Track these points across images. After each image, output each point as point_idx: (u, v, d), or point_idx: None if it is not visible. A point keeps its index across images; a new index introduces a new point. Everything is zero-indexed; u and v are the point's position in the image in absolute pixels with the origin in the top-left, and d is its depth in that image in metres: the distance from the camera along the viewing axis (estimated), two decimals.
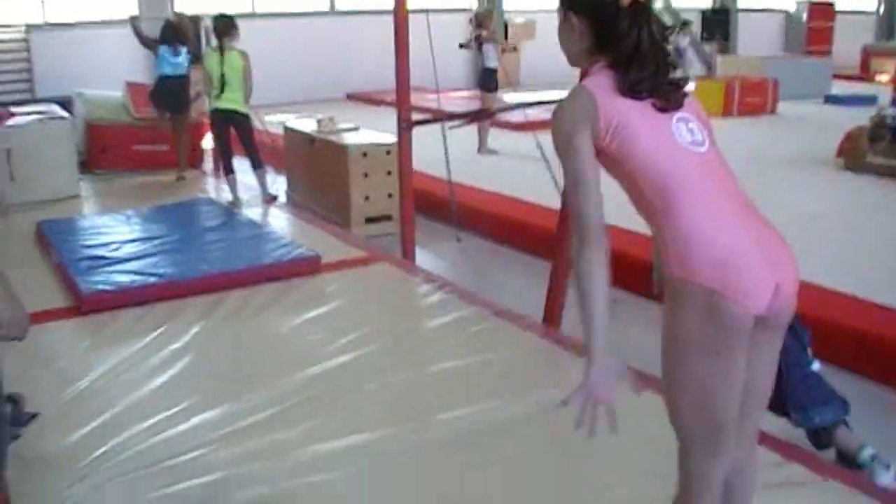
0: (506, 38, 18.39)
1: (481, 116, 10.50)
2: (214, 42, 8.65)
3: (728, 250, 2.16)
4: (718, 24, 23.52)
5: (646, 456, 3.39)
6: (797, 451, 3.60)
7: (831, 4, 25.61)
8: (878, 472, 3.58)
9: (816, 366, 3.81)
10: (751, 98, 16.00)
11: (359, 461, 3.60)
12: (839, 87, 18.63)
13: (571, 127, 2.23)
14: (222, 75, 8.30)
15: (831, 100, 17.32)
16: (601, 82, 2.26)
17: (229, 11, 9.40)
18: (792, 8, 26.15)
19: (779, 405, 3.49)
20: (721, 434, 2.30)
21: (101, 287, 5.60)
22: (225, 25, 8.44)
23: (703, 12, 24.98)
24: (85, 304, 5.45)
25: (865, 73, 22.73)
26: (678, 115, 2.30)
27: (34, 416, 3.96)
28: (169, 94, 9.95)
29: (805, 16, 25.15)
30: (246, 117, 8.58)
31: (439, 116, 7.86)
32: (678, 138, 2.26)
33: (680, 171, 2.24)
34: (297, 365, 4.57)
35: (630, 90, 2.24)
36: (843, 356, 4.68)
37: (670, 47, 2.34)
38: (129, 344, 4.91)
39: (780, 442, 3.62)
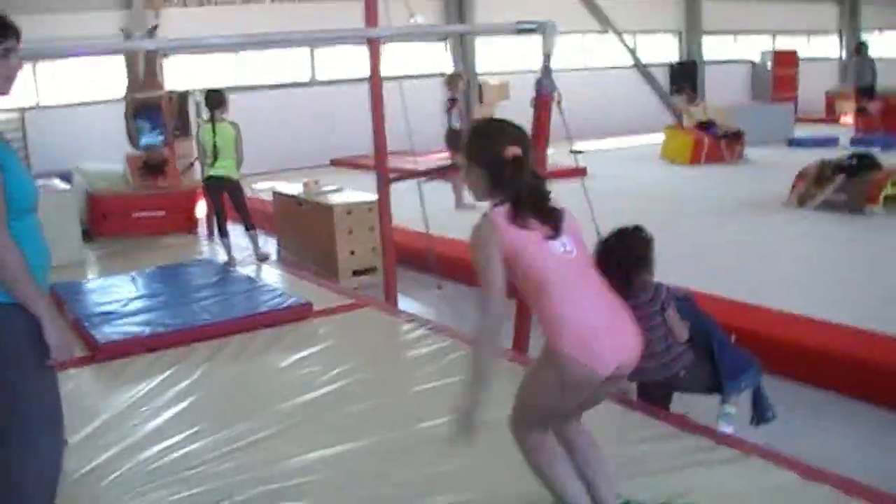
0: (480, 99, 19.12)
1: (448, 171, 11.17)
2: (206, 114, 9.36)
3: (586, 332, 2.99)
4: (686, 76, 24.42)
5: None
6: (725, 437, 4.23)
7: (794, 52, 26.59)
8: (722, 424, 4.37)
9: (731, 338, 4.52)
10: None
11: (347, 463, 4.21)
12: (804, 130, 19.56)
13: (485, 248, 3.07)
14: (215, 145, 8.99)
15: (794, 143, 18.22)
16: (502, 212, 3.08)
17: (215, 85, 10.12)
18: (757, 58, 27.10)
19: (714, 384, 4.29)
20: (546, 422, 3.30)
21: (114, 336, 6.22)
22: (216, 99, 9.16)
23: (672, 65, 25.89)
24: (100, 353, 6.06)
25: (830, 116, 23.66)
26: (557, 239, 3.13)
27: (65, 442, 4.55)
28: (153, 161, 10.73)
29: (770, 64, 26.09)
30: (238, 183, 9.26)
31: (412, 173, 8.51)
32: (553, 251, 3.08)
33: (553, 275, 3.05)
34: (291, 394, 5.16)
35: (518, 223, 3.06)
36: (792, 366, 5.44)
37: None
38: (143, 384, 5.50)
39: (709, 429, 4.26)
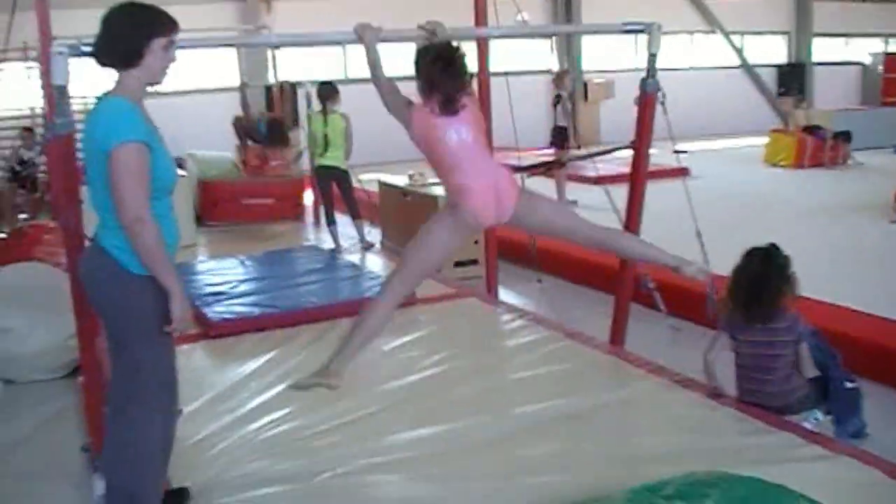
0: (585, 97, 19.16)
1: (551, 167, 11.28)
2: (317, 106, 9.65)
3: (470, 191, 3.95)
4: (794, 78, 24.00)
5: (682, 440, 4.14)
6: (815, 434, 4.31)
7: None
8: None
9: (850, 384, 4.53)
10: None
11: (447, 442, 4.40)
12: None
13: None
14: (325, 136, 9.28)
15: None
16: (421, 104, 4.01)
17: (326, 77, 10.42)
18: (867, 60, 26.55)
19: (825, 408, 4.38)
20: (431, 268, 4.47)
21: (225, 315, 6.53)
22: (328, 91, 9.46)
23: (779, 66, 25.51)
24: (213, 330, 6.36)
25: None
26: (455, 125, 3.97)
27: (179, 411, 4.83)
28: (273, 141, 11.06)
29: (881, 67, 25.42)
30: (346, 173, 9.54)
31: (515, 168, 8.66)
32: (449, 136, 3.96)
33: (448, 154, 3.98)
34: (394, 376, 5.38)
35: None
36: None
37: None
38: (252, 361, 5.77)
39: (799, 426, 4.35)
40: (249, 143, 12.46)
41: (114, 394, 3.55)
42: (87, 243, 3.80)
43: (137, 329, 3.41)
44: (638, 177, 5.48)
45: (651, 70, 5.20)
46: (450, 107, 3.94)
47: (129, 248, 3.29)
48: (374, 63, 4.16)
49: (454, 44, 4.12)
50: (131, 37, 3.37)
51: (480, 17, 6.80)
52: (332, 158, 9.42)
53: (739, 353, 4.55)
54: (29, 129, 12.99)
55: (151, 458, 3.53)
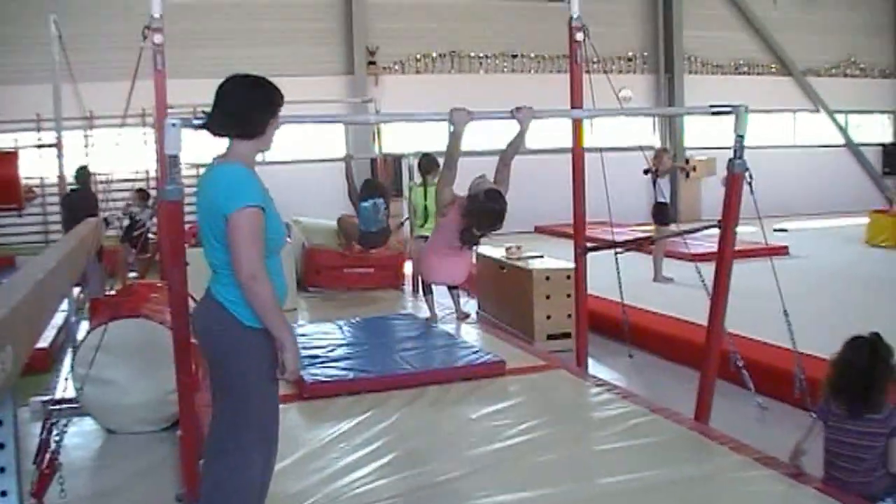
0: (687, 174, 19.16)
1: (643, 244, 11.34)
2: (418, 178, 9.93)
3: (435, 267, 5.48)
4: None
5: None
6: None
7: None
8: None
9: None
10: None
11: None
12: None
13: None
14: (425, 207, 9.53)
15: None
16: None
17: (428, 150, 10.69)
18: None
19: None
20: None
21: (320, 378, 6.75)
22: (429, 163, 9.74)
23: (884, 146, 25.18)
24: (307, 391, 6.58)
25: None
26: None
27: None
28: (373, 243, 11.24)
29: None
30: None
31: (609, 244, 8.78)
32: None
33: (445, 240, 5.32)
34: (480, 442, 5.49)
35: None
36: None
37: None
38: (343, 422, 5.95)
39: None
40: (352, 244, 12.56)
41: (216, 438, 3.78)
42: (190, 302, 4.05)
43: (248, 377, 3.68)
44: (724, 255, 5.55)
45: (738, 150, 5.32)
46: (469, 240, 5.26)
47: (243, 301, 3.57)
48: (453, 145, 5.13)
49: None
50: (253, 112, 3.69)
51: (577, 97, 6.98)
52: (431, 229, 9.64)
53: (830, 438, 4.51)
54: (142, 191, 13.49)
55: (247, 501, 3.74)
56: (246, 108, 3.67)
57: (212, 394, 3.89)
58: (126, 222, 12.78)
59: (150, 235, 11.97)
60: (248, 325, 3.61)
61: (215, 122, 3.74)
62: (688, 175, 18.87)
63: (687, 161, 20.16)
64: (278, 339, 3.58)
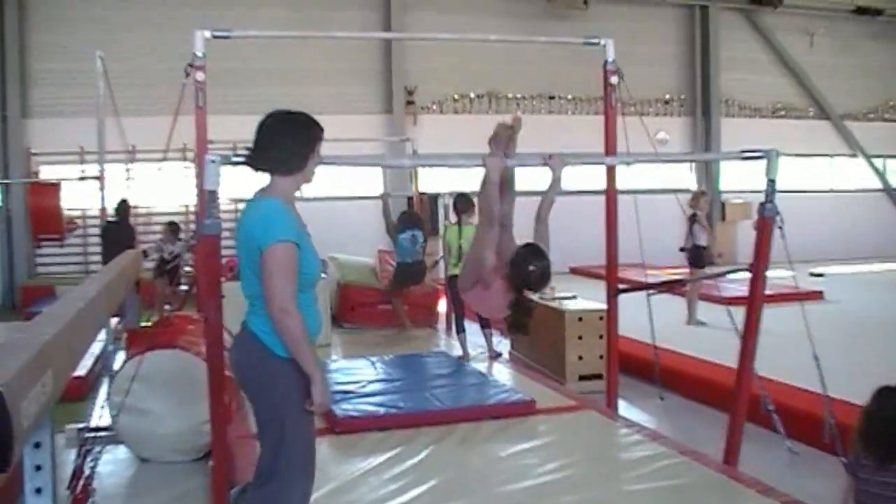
0: (723, 217, 19.15)
1: (675, 286, 11.33)
2: (453, 217, 10.01)
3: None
4: None
5: None
6: None
7: None
8: None
9: None
10: None
11: None
12: None
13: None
14: (460, 247, 9.60)
15: None
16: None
17: (464, 189, 10.77)
18: None
19: None
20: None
21: (351, 413, 6.82)
22: (464, 203, 9.81)
23: None
24: (338, 426, 6.65)
25: None
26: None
27: None
28: (408, 277, 11.32)
29: None
30: None
31: (641, 285, 8.79)
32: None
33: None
34: (509, 480, 5.54)
35: None
36: None
37: None
38: (373, 457, 6.01)
39: None
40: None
41: (258, 468, 3.91)
42: (225, 334, 4.14)
43: (281, 408, 3.78)
44: (755, 299, 5.57)
45: (769, 195, 5.35)
46: (518, 326, 5.15)
47: (275, 332, 3.67)
48: (489, 196, 5.15)
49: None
50: (296, 148, 3.83)
51: (611, 141, 7.04)
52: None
53: (860, 490, 4.48)
54: (173, 224, 13.70)
55: None
56: (285, 144, 3.80)
57: (256, 425, 4.01)
58: (156, 256, 12.95)
59: (187, 268, 12.13)
60: (280, 356, 3.72)
61: (256, 157, 3.86)
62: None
63: (723, 205, 20.12)
64: (307, 372, 3.69)
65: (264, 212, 3.73)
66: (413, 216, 11.69)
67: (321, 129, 3.91)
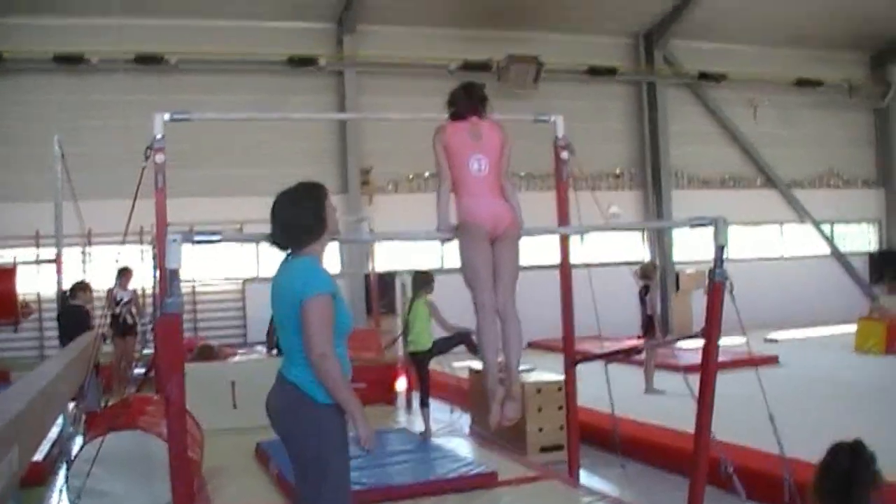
0: (677, 287, 19.36)
1: (630, 354, 11.46)
2: (410, 294, 10.10)
3: (474, 210, 5.34)
4: (887, 265, 24.13)
5: None
6: None
7: None
8: None
9: None
10: None
11: None
12: None
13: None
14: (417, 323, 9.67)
15: None
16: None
17: (423, 266, 10.89)
18: None
19: None
20: (481, 280, 5.19)
21: None
22: (422, 280, 9.92)
23: (871, 254, 25.58)
24: None
25: None
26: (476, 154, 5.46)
27: None
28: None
29: None
30: (429, 352, 9.83)
31: (598, 355, 8.88)
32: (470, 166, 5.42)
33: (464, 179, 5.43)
34: None
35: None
36: None
37: None
38: None
39: None
40: None
41: None
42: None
43: (323, 453, 4.01)
44: (708, 364, 5.68)
45: (718, 261, 5.50)
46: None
47: (315, 381, 3.94)
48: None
49: None
50: (311, 215, 4.20)
51: (563, 214, 7.19)
52: (421, 343, 9.75)
53: None
54: (126, 269, 13.64)
55: None
56: (301, 216, 4.19)
57: (294, 475, 4.29)
58: (111, 309, 12.97)
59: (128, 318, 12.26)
60: (321, 402, 3.96)
61: (278, 237, 4.26)
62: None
63: (677, 275, 20.36)
64: (348, 411, 3.95)
65: (304, 268, 4.09)
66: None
67: (323, 187, 4.32)
